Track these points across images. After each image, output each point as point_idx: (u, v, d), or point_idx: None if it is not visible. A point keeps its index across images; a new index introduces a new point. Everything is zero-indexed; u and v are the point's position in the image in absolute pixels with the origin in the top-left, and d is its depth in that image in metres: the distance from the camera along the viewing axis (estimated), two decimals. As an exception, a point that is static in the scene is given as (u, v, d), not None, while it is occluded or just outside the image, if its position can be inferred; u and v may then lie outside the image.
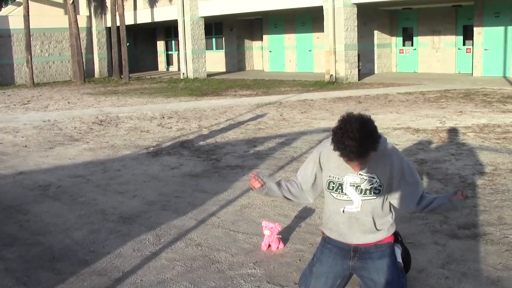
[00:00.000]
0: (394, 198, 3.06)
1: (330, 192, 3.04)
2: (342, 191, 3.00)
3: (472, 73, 19.95)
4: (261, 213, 5.09)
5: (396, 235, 3.64)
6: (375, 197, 2.97)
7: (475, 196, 5.37)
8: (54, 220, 5.12)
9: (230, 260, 4.05)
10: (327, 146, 3.01)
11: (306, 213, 5.04)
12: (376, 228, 3.02)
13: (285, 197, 3.28)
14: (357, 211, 2.98)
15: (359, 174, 2.97)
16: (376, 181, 2.96)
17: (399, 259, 3.48)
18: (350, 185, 2.98)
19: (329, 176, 3.04)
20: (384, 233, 3.06)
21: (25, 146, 9.18)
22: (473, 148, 7.51)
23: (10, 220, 5.19)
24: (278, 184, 3.29)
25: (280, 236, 4.26)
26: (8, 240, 4.63)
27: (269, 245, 4.20)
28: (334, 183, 3.02)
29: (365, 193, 2.97)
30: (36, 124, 11.70)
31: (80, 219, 5.13)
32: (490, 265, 3.77)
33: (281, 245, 4.23)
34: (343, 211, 3.01)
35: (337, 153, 2.85)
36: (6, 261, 4.18)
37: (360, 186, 2.97)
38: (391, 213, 3.10)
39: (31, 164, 7.76)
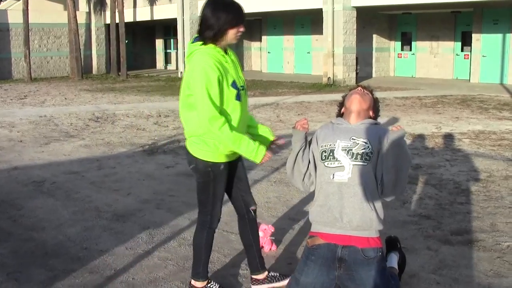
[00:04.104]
0: (379, 174, 3.01)
1: (323, 162, 3.04)
2: (333, 157, 3.01)
3: (469, 79, 20.01)
4: (255, 214, 5.09)
5: (395, 241, 3.64)
6: (366, 163, 2.96)
7: (468, 202, 5.39)
8: (48, 216, 5.12)
9: (223, 260, 4.05)
10: (320, 129, 3.26)
11: (299, 215, 5.05)
12: (367, 202, 2.92)
13: (297, 160, 3.24)
14: (348, 177, 2.95)
15: (352, 138, 3.02)
16: (369, 147, 2.98)
17: (395, 265, 3.48)
18: (341, 149, 3.00)
19: (321, 147, 3.09)
20: (372, 231, 2.96)
21: (21, 141, 9.17)
22: (468, 154, 7.54)
23: (4, 215, 5.19)
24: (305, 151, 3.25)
25: (273, 238, 4.27)
26: (1, 235, 4.63)
27: (262, 247, 4.20)
28: (326, 151, 3.05)
29: (356, 158, 2.96)
30: (32, 119, 11.68)
31: (74, 216, 5.12)
32: (481, 272, 3.78)
33: (274, 247, 4.24)
34: (333, 177, 2.97)
35: (329, 127, 3.16)
36: (-2, 256, 4.18)
37: (352, 150, 2.99)
38: (380, 199, 3.03)
39: (26, 159, 7.74)
